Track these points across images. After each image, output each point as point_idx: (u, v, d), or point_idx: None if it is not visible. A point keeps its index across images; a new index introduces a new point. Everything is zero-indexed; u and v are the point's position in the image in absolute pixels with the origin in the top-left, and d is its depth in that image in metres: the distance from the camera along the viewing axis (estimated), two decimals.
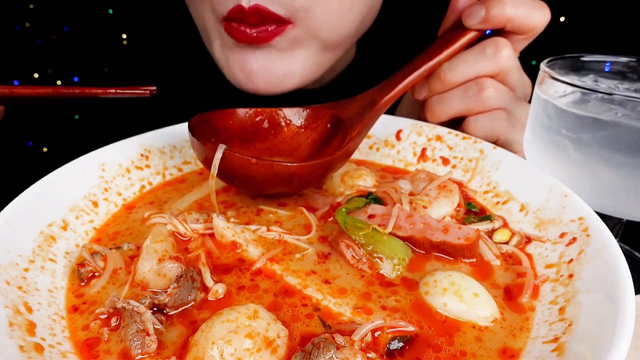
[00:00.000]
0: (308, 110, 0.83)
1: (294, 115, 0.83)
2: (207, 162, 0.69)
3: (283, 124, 0.83)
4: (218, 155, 0.67)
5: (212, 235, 0.65)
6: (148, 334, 0.49)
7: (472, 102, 0.86)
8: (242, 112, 0.81)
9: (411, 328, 0.51)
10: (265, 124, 0.82)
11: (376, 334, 0.50)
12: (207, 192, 0.77)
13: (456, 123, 0.92)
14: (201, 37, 1.03)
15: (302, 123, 0.83)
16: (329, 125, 0.82)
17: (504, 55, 0.83)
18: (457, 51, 0.86)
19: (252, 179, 0.69)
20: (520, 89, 0.89)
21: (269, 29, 0.88)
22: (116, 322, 0.52)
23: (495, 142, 0.88)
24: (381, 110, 0.83)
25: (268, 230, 0.66)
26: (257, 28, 0.88)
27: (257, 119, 0.82)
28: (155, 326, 0.50)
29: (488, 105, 0.86)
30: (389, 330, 0.51)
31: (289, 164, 0.69)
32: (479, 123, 0.87)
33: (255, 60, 0.93)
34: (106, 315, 0.53)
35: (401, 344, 0.50)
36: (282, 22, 0.88)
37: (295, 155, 0.82)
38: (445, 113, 0.89)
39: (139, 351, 0.48)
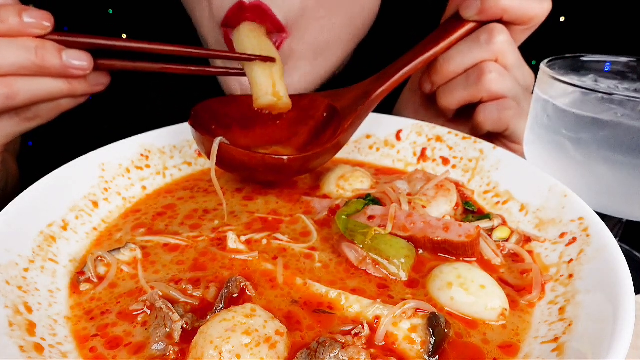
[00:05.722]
0: (306, 98, 0.84)
1: (292, 103, 0.83)
2: (208, 154, 0.71)
3: None
4: (214, 148, 0.69)
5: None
6: (173, 344, 0.49)
7: (475, 88, 0.84)
8: (242, 98, 0.82)
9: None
10: (265, 110, 0.82)
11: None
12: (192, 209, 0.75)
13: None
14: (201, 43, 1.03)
15: (300, 110, 0.84)
16: (325, 114, 0.83)
17: (499, 41, 0.82)
18: (453, 42, 0.85)
19: (249, 169, 0.72)
20: (520, 77, 0.87)
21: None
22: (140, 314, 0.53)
23: (504, 132, 0.88)
24: (375, 102, 0.83)
25: (272, 239, 0.66)
26: None
27: None
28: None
29: (491, 89, 0.83)
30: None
31: (278, 157, 0.72)
32: (488, 111, 0.86)
33: None
34: (141, 310, 0.53)
35: None
36: (279, 30, 0.85)
37: (293, 142, 0.83)
38: (452, 102, 0.89)
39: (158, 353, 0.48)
